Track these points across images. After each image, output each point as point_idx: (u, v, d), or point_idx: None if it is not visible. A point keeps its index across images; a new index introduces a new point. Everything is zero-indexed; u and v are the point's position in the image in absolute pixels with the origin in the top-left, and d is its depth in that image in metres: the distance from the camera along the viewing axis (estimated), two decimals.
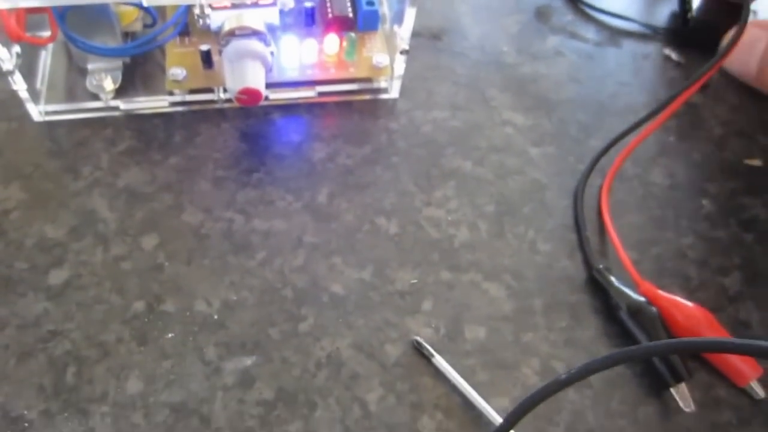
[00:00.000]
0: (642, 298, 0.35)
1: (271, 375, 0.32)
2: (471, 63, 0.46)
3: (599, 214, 0.39)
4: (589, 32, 0.49)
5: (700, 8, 0.49)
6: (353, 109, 0.42)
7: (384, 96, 0.43)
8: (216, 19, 0.38)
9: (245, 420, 0.31)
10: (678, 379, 0.33)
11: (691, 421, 0.33)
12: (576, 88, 0.45)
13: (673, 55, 0.48)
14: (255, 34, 0.37)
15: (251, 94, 0.36)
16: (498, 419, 0.31)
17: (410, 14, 0.37)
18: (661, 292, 0.36)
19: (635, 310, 0.35)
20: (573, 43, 0.48)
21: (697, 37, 0.48)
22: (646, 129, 0.40)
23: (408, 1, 0.36)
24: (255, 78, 0.36)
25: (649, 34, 0.49)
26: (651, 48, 0.49)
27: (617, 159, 0.40)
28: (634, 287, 0.36)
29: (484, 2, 0.50)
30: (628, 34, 0.50)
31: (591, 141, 0.43)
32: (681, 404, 0.33)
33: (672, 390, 0.33)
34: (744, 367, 0.34)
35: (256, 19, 0.38)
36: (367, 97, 0.43)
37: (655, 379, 0.34)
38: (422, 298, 0.36)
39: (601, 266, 0.37)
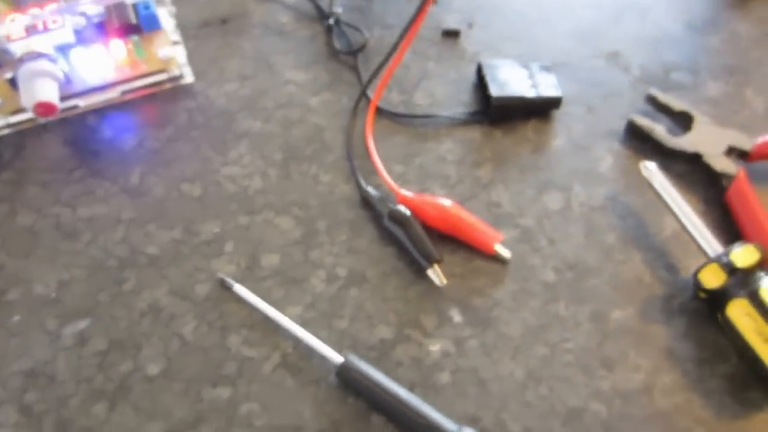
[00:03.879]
0: (399, 205, 0.40)
1: (103, 330, 0.37)
2: (256, 38, 0.49)
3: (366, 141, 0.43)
4: None
5: None
6: (157, 98, 0.46)
7: (182, 82, 0.47)
8: (15, 49, 0.41)
9: (84, 370, 0.35)
10: (431, 262, 0.38)
11: (454, 291, 0.38)
12: (344, 40, 0.49)
13: None
14: (42, 55, 0.41)
15: (45, 107, 0.40)
16: (290, 324, 0.35)
17: (163, 14, 0.41)
18: (412, 196, 0.40)
19: (393, 215, 0.39)
20: None
21: None
22: (396, 57, 0.43)
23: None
24: (45, 93, 0.40)
25: None
26: None
27: (377, 90, 0.44)
28: (393, 197, 0.40)
29: None
30: None
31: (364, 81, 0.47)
32: (436, 281, 0.38)
33: (428, 272, 0.38)
34: (486, 237, 0.39)
35: (43, 43, 0.41)
36: (168, 85, 0.46)
37: (419, 266, 0.39)
38: (224, 242, 0.40)
39: (367, 187, 0.41)
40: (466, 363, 0.36)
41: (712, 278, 0.36)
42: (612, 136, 0.45)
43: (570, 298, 0.38)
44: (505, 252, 0.39)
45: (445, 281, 0.38)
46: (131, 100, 0.46)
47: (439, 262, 0.38)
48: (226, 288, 0.38)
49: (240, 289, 0.38)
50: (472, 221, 0.39)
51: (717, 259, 0.36)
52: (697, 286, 0.37)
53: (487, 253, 0.40)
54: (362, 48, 0.49)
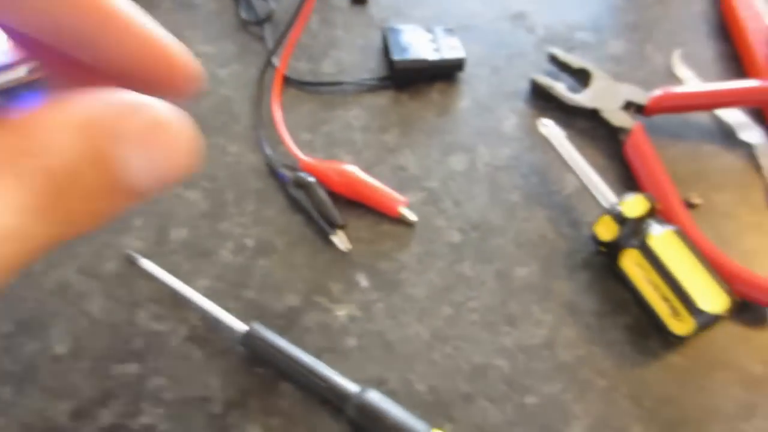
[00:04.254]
0: (303, 173, 0.40)
1: (8, 312, 0.36)
2: (165, 12, 0.48)
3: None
4: None
5: None
6: None
7: None
8: None
9: None
10: (334, 227, 0.38)
11: (361, 255, 0.39)
12: (252, 11, 0.49)
13: None
14: None
15: None
16: (197, 297, 0.35)
17: None
18: (315, 162, 0.40)
19: (297, 182, 0.39)
20: None
21: None
22: (298, 24, 0.43)
23: None
24: None
25: None
26: None
27: (283, 59, 0.44)
28: (298, 164, 0.40)
29: None
30: None
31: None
32: (340, 247, 0.38)
33: (333, 237, 0.38)
34: (390, 200, 0.39)
35: None
36: None
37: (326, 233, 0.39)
38: (133, 217, 0.40)
39: (272, 156, 0.41)
40: (373, 326, 0.36)
41: (606, 231, 0.37)
42: (516, 96, 0.45)
43: (475, 257, 0.39)
44: (410, 215, 0.40)
45: (349, 246, 0.38)
46: (40, 79, 0.44)
47: (342, 227, 0.38)
48: (134, 263, 0.38)
49: (147, 264, 0.37)
50: (376, 186, 0.40)
51: (609, 211, 0.37)
52: (595, 240, 0.38)
53: (393, 216, 0.40)
54: (269, 18, 0.48)
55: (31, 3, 0.17)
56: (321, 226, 0.39)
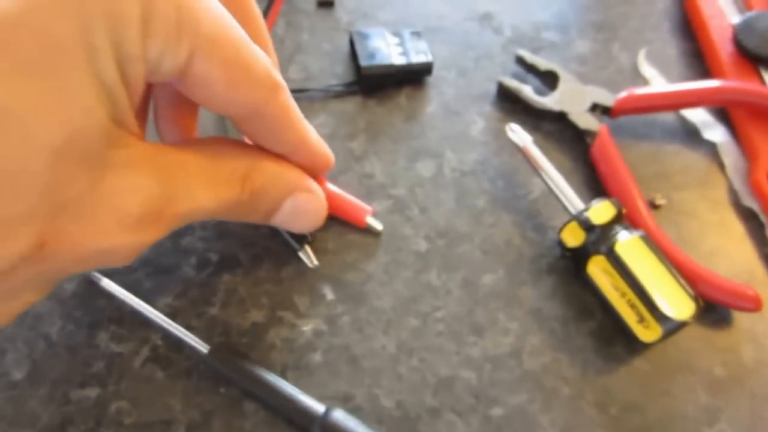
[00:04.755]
0: None
1: None
2: None
3: None
4: None
5: None
6: None
7: None
8: None
9: None
10: (301, 243, 0.37)
11: (327, 267, 0.38)
12: None
13: None
14: None
15: None
16: (158, 316, 0.34)
17: None
18: None
19: None
20: None
21: None
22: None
23: None
24: None
25: None
26: None
27: None
28: None
29: None
30: None
31: None
32: (307, 262, 0.37)
33: (300, 253, 0.37)
34: (357, 211, 0.38)
35: None
36: None
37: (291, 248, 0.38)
38: None
39: None
40: (339, 341, 0.36)
41: (572, 237, 0.36)
42: (483, 100, 0.45)
43: (442, 266, 0.38)
44: (377, 225, 0.39)
45: (316, 262, 0.37)
46: None
47: (309, 242, 0.37)
48: (93, 283, 0.36)
49: (108, 284, 0.36)
50: (342, 196, 0.39)
51: (576, 217, 0.36)
52: (561, 245, 0.37)
53: (359, 226, 0.39)
54: None
55: (263, 132, 0.29)
56: (287, 242, 0.38)
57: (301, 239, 0.37)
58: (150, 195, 0.24)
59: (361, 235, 0.39)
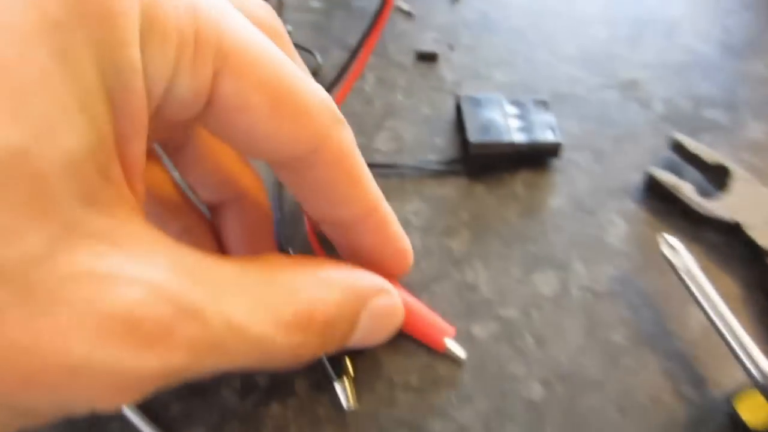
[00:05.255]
0: None
1: None
2: None
3: None
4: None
5: None
6: None
7: None
8: None
9: None
10: (339, 372, 0.28)
11: (407, 408, 0.28)
12: None
13: (404, 5, 0.41)
14: None
15: None
16: None
17: None
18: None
19: None
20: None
21: None
22: (344, 85, 0.34)
23: None
24: None
25: None
26: None
27: None
28: None
29: None
30: None
31: None
32: (342, 401, 0.28)
33: (335, 384, 0.28)
34: (433, 329, 0.29)
35: None
36: None
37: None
38: None
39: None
40: None
41: (753, 414, 0.25)
42: (625, 194, 0.34)
43: (561, 424, 0.28)
44: (458, 350, 0.29)
45: (352, 405, 0.28)
46: None
47: (347, 373, 0.28)
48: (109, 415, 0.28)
49: (128, 411, 0.28)
50: (416, 306, 0.29)
51: (761, 386, 0.25)
52: (735, 418, 0.26)
53: (437, 350, 0.29)
54: (314, 75, 0.38)
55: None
56: (325, 368, 0.28)
57: (340, 366, 0.28)
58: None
59: (449, 367, 0.29)
